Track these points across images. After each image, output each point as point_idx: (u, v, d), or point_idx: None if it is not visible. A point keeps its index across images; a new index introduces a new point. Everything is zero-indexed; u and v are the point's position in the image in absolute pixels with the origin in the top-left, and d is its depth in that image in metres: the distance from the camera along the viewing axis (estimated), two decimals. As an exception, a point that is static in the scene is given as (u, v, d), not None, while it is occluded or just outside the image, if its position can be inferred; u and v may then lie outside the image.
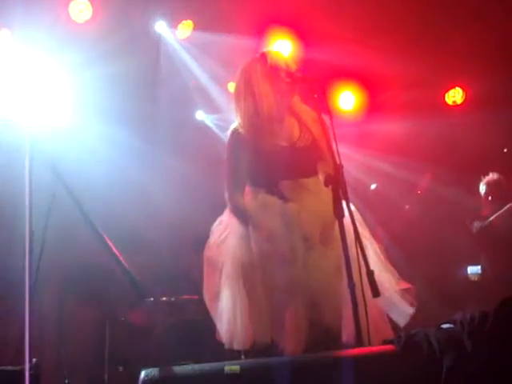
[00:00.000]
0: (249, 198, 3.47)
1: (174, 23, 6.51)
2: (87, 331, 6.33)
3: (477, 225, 6.31)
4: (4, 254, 5.44)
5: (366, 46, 6.59)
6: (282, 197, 3.39)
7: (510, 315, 2.51)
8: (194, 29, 6.50)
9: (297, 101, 3.54)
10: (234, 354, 3.66)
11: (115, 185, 6.48)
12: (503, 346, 2.45)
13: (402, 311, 3.37)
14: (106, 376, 5.53)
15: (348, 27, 6.46)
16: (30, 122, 3.07)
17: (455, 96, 7.60)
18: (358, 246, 2.95)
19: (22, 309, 2.87)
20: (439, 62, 6.78)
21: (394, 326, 3.35)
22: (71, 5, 5.86)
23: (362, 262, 2.93)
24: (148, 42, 6.44)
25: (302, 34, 6.52)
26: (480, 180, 6.54)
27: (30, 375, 2.56)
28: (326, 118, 3.24)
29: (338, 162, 3.07)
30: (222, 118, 6.69)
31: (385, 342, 2.65)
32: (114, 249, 2.99)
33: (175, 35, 6.57)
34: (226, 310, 3.37)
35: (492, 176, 6.46)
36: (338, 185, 3.03)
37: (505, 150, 7.54)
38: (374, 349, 2.68)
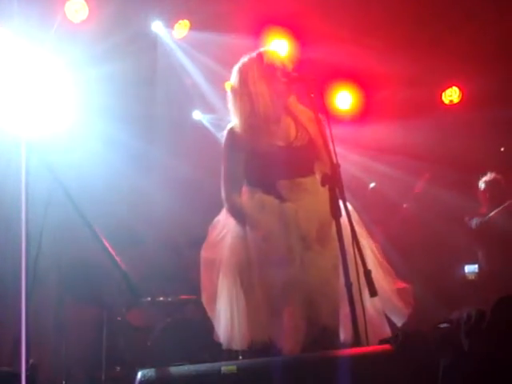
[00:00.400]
0: (246, 197, 3.46)
1: (170, 23, 6.50)
2: (84, 332, 6.32)
3: (476, 221, 6.33)
4: (0, 255, 5.43)
5: (363, 46, 6.60)
6: (279, 196, 3.39)
7: (507, 314, 2.51)
8: (191, 28, 6.49)
9: (293, 100, 3.53)
10: (231, 354, 3.67)
11: (112, 185, 6.47)
12: (500, 345, 2.45)
13: (399, 311, 3.38)
14: (103, 376, 5.52)
15: (344, 27, 6.47)
16: (26, 122, 3.06)
17: (452, 95, 7.60)
18: (356, 246, 2.95)
19: (19, 310, 2.86)
20: (436, 62, 6.79)
21: (391, 325, 3.36)
22: (67, 4, 5.85)
23: (360, 262, 2.93)
24: (144, 41, 6.43)
25: (298, 33, 6.53)
26: (477, 179, 6.55)
27: (27, 376, 2.56)
28: (322, 117, 3.24)
29: (334, 161, 3.07)
30: (219, 117, 6.68)
31: (382, 342, 2.65)
32: (110, 249, 2.98)
33: (172, 35, 6.57)
34: (224, 309, 3.37)
35: (490, 175, 6.47)
36: (334, 184, 3.03)
37: (502, 149, 7.55)
38: (371, 348, 2.68)
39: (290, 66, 3.50)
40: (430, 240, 6.69)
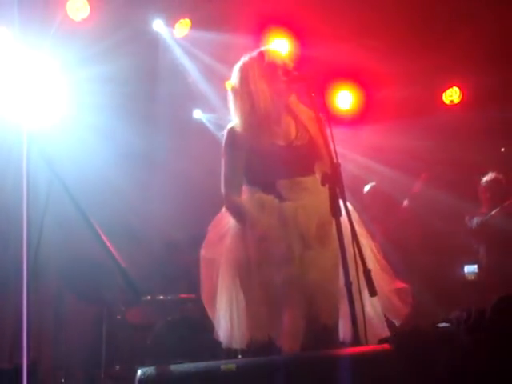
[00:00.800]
0: (246, 196, 3.46)
1: (171, 22, 6.51)
2: (84, 330, 6.32)
3: (477, 220, 6.33)
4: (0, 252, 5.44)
5: (364, 46, 6.60)
6: (279, 196, 3.39)
7: (507, 314, 2.51)
8: (192, 27, 6.50)
9: (294, 99, 3.53)
10: (231, 353, 3.67)
11: (112, 183, 6.48)
12: (500, 345, 2.46)
13: (398, 310, 3.38)
14: (102, 374, 5.52)
15: (345, 26, 6.47)
16: (26, 119, 3.06)
17: (453, 95, 7.60)
18: (355, 245, 2.95)
19: (19, 307, 2.86)
20: (437, 62, 6.79)
21: (390, 324, 3.36)
22: (69, 3, 5.86)
23: (359, 261, 2.93)
24: (145, 40, 6.43)
25: (299, 32, 6.53)
26: (478, 179, 6.55)
27: (27, 373, 2.56)
28: (323, 116, 3.24)
29: (335, 160, 3.07)
30: (220, 116, 6.68)
31: (381, 341, 2.65)
32: (110, 247, 2.98)
33: (173, 34, 6.57)
34: (223, 308, 3.37)
35: (491, 175, 6.47)
36: (335, 183, 3.03)
37: (502, 150, 7.55)
38: (371, 347, 2.69)
39: (290, 65, 3.50)
40: (429, 240, 6.69)
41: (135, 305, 5.96)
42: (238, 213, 3.41)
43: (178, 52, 6.71)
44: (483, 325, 2.50)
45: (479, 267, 6.59)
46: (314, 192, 3.37)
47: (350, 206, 3.20)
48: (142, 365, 2.54)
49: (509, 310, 2.56)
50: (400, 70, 6.75)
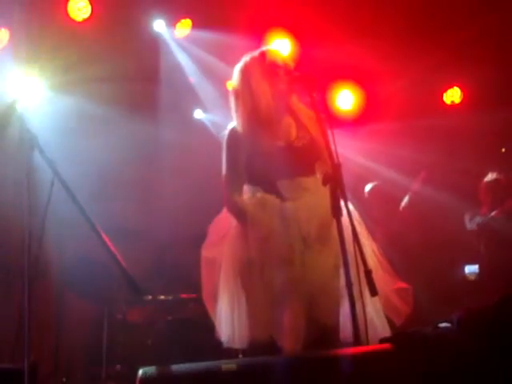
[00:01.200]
0: (247, 196, 3.47)
1: (172, 22, 6.51)
2: (85, 329, 6.33)
3: (478, 220, 6.32)
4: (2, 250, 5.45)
5: (364, 46, 6.59)
6: (280, 196, 3.40)
7: (508, 314, 2.51)
8: (193, 27, 6.50)
9: (295, 100, 3.53)
10: (232, 353, 3.67)
11: (114, 183, 6.49)
12: (501, 345, 2.46)
13: (399, 310, 3.38)
14: (103, 374, 5.53)
15: (346, 27, 6.47)
16: (26, 118, 3.07)
17: (453, 96, 7.60)
18: (356, 245, 2.95)
19: (21, 306, 2.87)
20: (437, 62, 6.78)
21: (391, 324, 3.36)
22: (70, 3, 5.86)
23: (360, 261, 2.93)
24: (146, 40, 6.43)
25: (300, 32, 6.52)
26: (478, 179, 6.55)
27: (28, 373, 2.56)
28: (323, 116, 3.24)
29: (335, 161, 3.07)
30: (221, 116, 6.68)
31: (382, 341, 2.66)
32: (111, 246, 2.99)
33: (173, 34, 6.57)
34: (225, 308, 3.38)
35: (492, 175, 6.47)
36: (335, 184, 3.03)
37: (503, 150, 7.55)
38: (371, 347, 2.69)
39: (291, 66, 3.50)
40: (430, 240, 6.69)
41: (136, 304, 5.96)
42: (239, 213, 3.42)
43: (178, 52, 6.71)
44: (484, 325, 2.50)
45: (480, 267, 6.59)
46: (314, 192, 3.37)
47: (350, 206, 3.20)
48: (143, 364, 2.53)
49: (510, 309, 2.56)
50: (401, 70, 6.75)
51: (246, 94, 3.45)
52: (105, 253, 3.00)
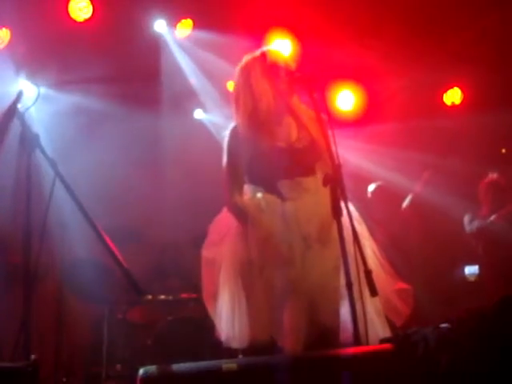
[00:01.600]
0: (247, 197, 3.47)
1: (173, 22, 6.51)
2: (85, 329, 6.33)
3: (478, 224, 6.32)
4: (2, 250, 5.45)
5: (365, 46, 6.60)
6: (281, 196, 3.40)
7: (508, 314, 2.52)
8: (194, 28, 6.50)
9: (296, 100, 3.53)
10: (232, 353, 3.67)
11: (114, 183, 6.49)
12: (500, 346, 2.46)
13: (400, 311, 3.38)
14: (103, 374, 5.53)
15: (347, 27, 6.47)
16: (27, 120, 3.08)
17: (454, 96, 7.60)
18: (356, 246, 2.95)
19: (21, 306, 2.87)
20: (438, 62, 6.78)
21: (392, 325, 3.36)
22: (71, 3, 5.86)
23: (360, 262, 2.94)
24: (147, 40, 6.43)
25: (301, 33, 6.52)
26: (478, 180, 6.54)
27: (28, 372, 2.57)
28: (324, 117, 3.25)
29: (336, 161, 3.07)
30: (221, 116, 6.69)
31: (382, 341, 2.66)
32: (112, 246, 2.99)
33: (174, 34, 6.57)
34: (225, 308, 3.38)
35: (491, 176, 6.47)
36: (336, 184, 3.03)
37: (503, 151, 7.55)
38: (372, 348, 2.69)
39: (292, 66, 3.50)
40: (430, 240, 6.69)
41: (136, 304, 5.97)
42: (239, 213, 3.42)
43: (179, 52, 6.71)
44: (484, 325, 2.51)
45: (480, 268, 6.59)
46: (315, 192, 3.37)
47: (351, 207, 3.20)
48: (144, 364, 2.54)
49: (509, 310, 2.56)
50: (401, 70, 6.75)
51: (247, 95, 3.45)
52: (105, 253, 3.01)
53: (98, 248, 3.10)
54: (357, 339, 2.87)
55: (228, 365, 2.43)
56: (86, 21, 5.92)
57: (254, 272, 3.33)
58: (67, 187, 2.99)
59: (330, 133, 3.16)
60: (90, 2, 5.87)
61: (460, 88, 7.56)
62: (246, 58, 3.55)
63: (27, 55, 5.99)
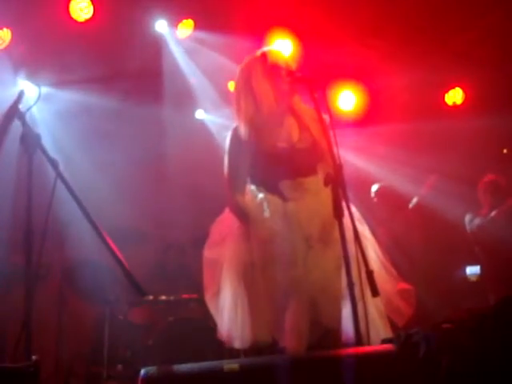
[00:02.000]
0: (249, 197, 3.47)
1: (174, 22, 6.50)
2: (86, 329, 6.33)
3: (477, 221, 6.31)
4: (4, 250, 5.45)
5: (366, 46, 6.59)
6: (282, 196, 3.40)
7: (509, 314, 2.51)
8: (195, 28, 6.50)
9: (297, 100, 3.53)
10: (234, 353, 3.67)
11: (116, 183, 6.49)
12: (502, 346, 2.46)
13: (401, 311, 3.38)
14: (104, 374, 5.53)
15: (348, 27, 6.46)
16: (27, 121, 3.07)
17: (455, 96, 7.59)
18: (358, 246, 2.95)
19: (22, 306, 2.87)
20: (439, 63, 6.78)
21: (394, 325, 3.36)
22: (72, 3, 5.86)
23: (362, 262, 2.93)
24: (148, 41, 6.43)
25: (302, 33, 6.52)
26: (479, 180, 6.54)
27: (30, 373, 2.56)
28: (325, 117, 3.24)
29: (337, 161, 3.07)
30: (223, 117, 6.69)
31: (384, 342, 2.66)
32: (113, 247, 2.98)
33: (175, 34, 6.57)
34: (227, 308, 3.38)
35: (490, 176, 6.47)
36: (337, 184, 3.03)
37: (504, 151, 7.55)
38: (373, 348, 2.69)
39: (293, 66, 3.50)
40: (432, 241, 6.68)
41: (138, 305, 5.96)
42: (241, 213, 3.42)
43: (180, 53, 6.71)
44: (485, 326, 2.50)
45: (481, 267, 6.59)
46: (316, 193, 3.37)
47: (352, 207, 3.20)
48: (145, 365, 2.54)
49: (510, 310, 2.56)
50: (402, 70, 6.74)
51: (248, 96, 3.45)
52: (107, 253, 3.00)
53: (100, 248, 3.10)
54: (358, 339, 2.87)
55: (230, 365, 2.42)
56: (87, 21, 5.91)
57: (256, 272, 3.33)
58: (68, 187, 2.99)
59: (331, 133, 3.16)
60: (90, 2, 5.87)
61: (461, 88, 7.55)
62: (247, 59, 3.54)
63: (28, 55, 5.99)
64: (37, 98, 3.17)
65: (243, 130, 3.45)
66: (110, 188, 6.40)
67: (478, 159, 6.86)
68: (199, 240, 3.75)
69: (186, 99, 7.01)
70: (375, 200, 6.49)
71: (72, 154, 5.79)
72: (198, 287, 4.26)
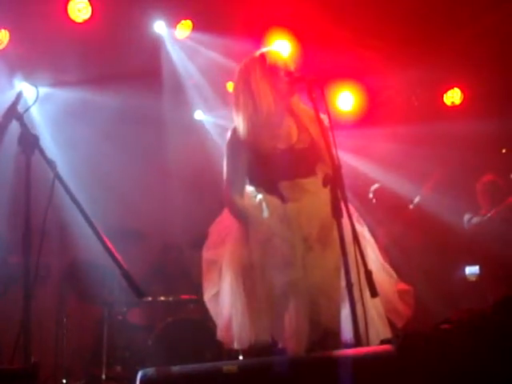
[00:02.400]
0: (248, 198, 3.47)
1: (172, 23, 6.51)
2: (85, 331, 6.33)
3: (476, 220, 6.31)
4: (3, 251, 5.45)
5: (365, 47, 6.59)
6: (281, 197, 3.39)
7: (508, 314, 2.51)
8: (193, 29, 6.50)
9: (296, 101, 3.53)
10: (233, 354, 3.67)
11: (114, 184, 6.49)
12: (502, 346, 2.45)
13: (400, 312, 3.38)
14: (103, 375, 5.53)
15: (347, 28, 6.46)
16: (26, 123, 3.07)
17: (454, 97, 7.59)
18: (357, 247, 2.95)
19: (21, 307, 2.86)
20: (438, 63, 6.78)
21: (393, 326, 3.36)
22: (70, 4, 5.86)
23: (361, 262, 2.93)
24: (147, 41, 6.43)
25: (300, 34, 6.52)
26: (478, 180, 6.54)
27: (28, 374, 2.56)
28: (324, 117, 3.24)
29: (336, 162, 3.07)
30: (221, 117, 6.69)
31: (383, 342, 2.65)
32: (111, 248, 2.98)
33: (174, 35, 6.57)
34: (226, 309, 3.37)
35: (489, 176, 6.47)
36: (336, 185, 3.03)
37: (503, 151, 7.55)
38: (373, 349, 2.68)
39: (292, 67, 3.50)
40: (431, 241, 6.68)
41: (136, 306, 5.96)
42: (240, 214, 3.42)
43: (179, 53, 6.71)
44: (484, 326, 2.50)
45: (480, 268, 6.59)
46: (315, 193, 3.37)
47: (351, 208, 3.19)
48: (143, 366, 2.53)
49: (510, 310, 2.55)
50: (401, 71, 6.74)
51: (247, 96, 3.44)
52: (105, 254, 3.00)
53: (98, 249, 3.09)
54: (357, 340, 2.87)
55: (228, 366, 2.42)
56: (85, 22, 5.91)
57: (255, 273, 3.32)
58: (66, 188, 2.98)
59: (330, 133, 3.16)
60: (89, 3, 5.87)
61: (460, 88, 7.56)
62: (246, 59, 3.54)
63: (26, 56, 5.99)
64: (35, 99, 3.16)
65: (242, 131, 3.45)
66: (110, 189, 6.40)
67: (477, 159, 6.86)
68: (198, 241, 3.75)
69: (184, 100, 7.01)
70: (374, 200, 6.49)
71: (70, 155, 5.78)
72: (196, 288, 4.26)
